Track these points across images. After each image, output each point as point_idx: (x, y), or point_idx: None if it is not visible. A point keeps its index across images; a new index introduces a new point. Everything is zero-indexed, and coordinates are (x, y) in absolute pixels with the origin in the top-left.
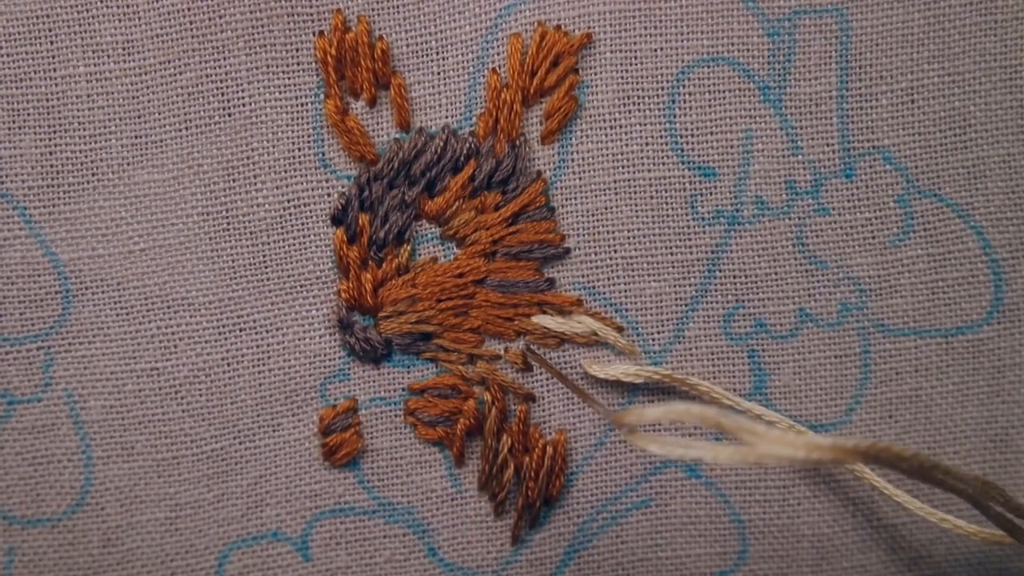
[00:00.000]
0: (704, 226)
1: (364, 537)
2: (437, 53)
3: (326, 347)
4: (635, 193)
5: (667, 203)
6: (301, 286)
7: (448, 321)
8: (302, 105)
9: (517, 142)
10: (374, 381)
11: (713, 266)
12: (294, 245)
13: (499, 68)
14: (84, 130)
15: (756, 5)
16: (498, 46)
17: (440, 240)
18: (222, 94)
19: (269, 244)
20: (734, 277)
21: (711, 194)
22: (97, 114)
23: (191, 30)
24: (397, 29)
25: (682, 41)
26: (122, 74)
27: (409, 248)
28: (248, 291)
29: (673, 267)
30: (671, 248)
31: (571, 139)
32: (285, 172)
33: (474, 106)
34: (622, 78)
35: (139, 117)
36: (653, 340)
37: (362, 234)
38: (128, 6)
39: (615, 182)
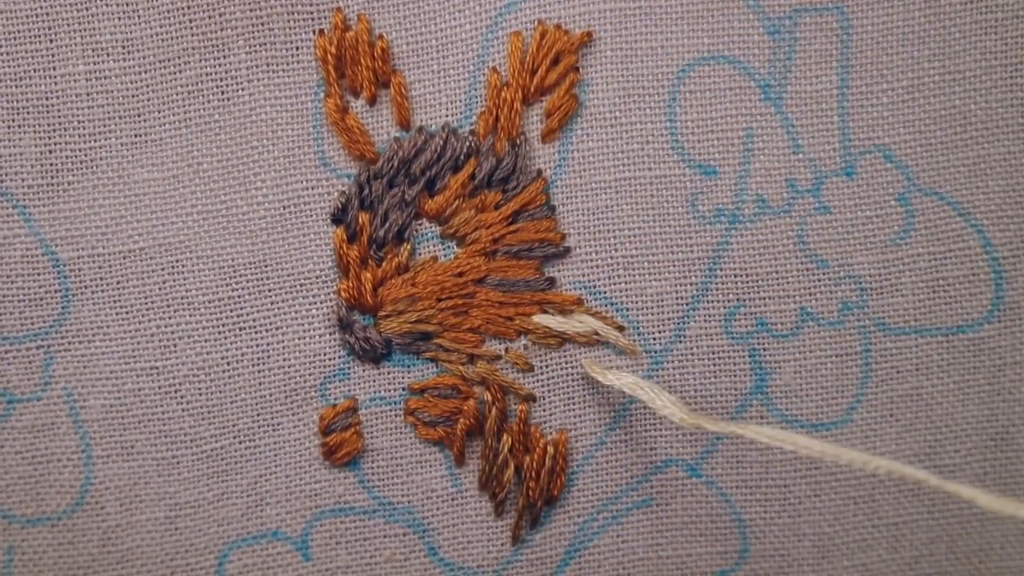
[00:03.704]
0: (705, 225)
1: (364, 537)
2: (437, 51)
3: (326, 346)
4: (636, 192)
5: (668, 202)
6: (301, 285)
7: (448, 320)
8: (302, 103)
9: (517, 140)
10: (374, 381)
11: (714, 265)
12: (294, 244)
13: (499, 66)
14: (83, 128)
15: (757, 3)
16: (498, 44)
17: (440, 239)
18: (222, 92)
19: (269, 243)
20: (735, 276)
21: (712, 193)
22: (96, 112)
23: (191, 28)
24: (397, 27)
25: (683, 39)
26: (121, 72)
27: (409, 247)
28: (248, 290)
29: (674, 266)
30: (672, 247)
31: (571, 137)
32: (285, 171)
33: (474, 104)
34: (623, 76)
35: (138, 115)
36: (654, 339)
37: (362, 233)
38: (127, 4)
39: (616, 180)
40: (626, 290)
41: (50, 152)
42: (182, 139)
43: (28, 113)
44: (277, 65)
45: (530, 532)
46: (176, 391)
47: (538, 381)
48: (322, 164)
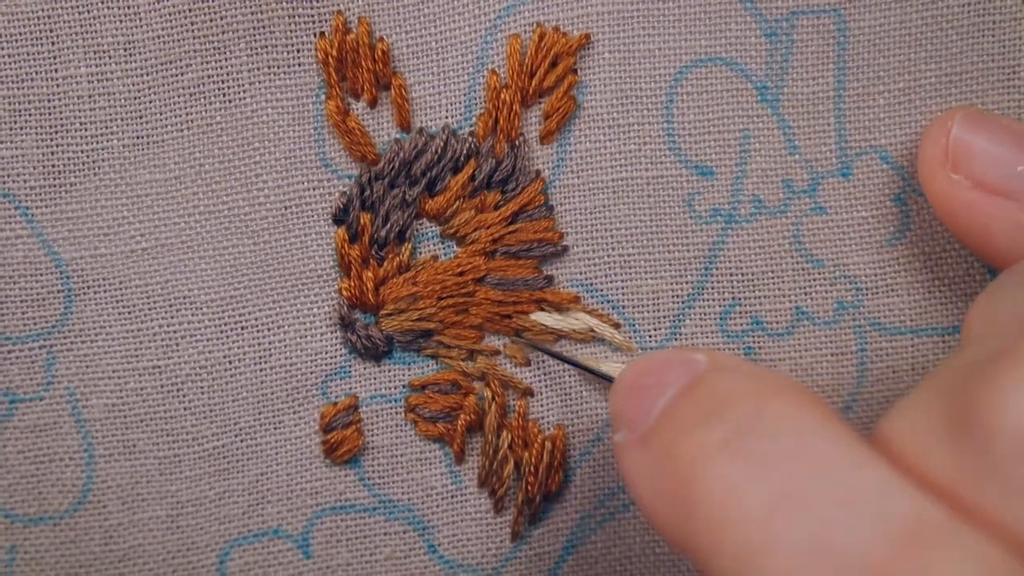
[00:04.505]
0: (701, 224)
1: (364, 534)
2: (437, 54)
3: (327, 345)
4: (633, 192)
5: (665, 202)
6: (303, 284)
7: (449, 318)
8: (303, 105)
9: (516, 142)
10: (375, 378)
11: (710, 264)
12: (295, 244)
13: (498, 69)
14: (86, 130)
15: (754, 6)
16: (497, 47)
17: (440, 239)
18: (223, 94)
19: (271, 243)
20: (731, 275)
21: (708, 193)
22: (99, 114)
23: (192, 31)
24: (397, 30)
25: (680, 42)
26: (124, 74)
27: (410, 247)
28: (250, 289)
29: (670, 265)
30: (668, 246)
31: (570, 139)
32: (286, 172)
33: (474, 106)
34: (620, 78)
35: (140, 117)
36: (650, 337)
37: (363, 233)
38: (130, 7)
39: (613, 181)
40: (623, 288)
41: (52, 154)
42: (184, 140)
43: (30, 115)
44: (278, 67)
45: (529, 528)
46: (178, 390)
47: (535, 377)
48: (323, 165)
